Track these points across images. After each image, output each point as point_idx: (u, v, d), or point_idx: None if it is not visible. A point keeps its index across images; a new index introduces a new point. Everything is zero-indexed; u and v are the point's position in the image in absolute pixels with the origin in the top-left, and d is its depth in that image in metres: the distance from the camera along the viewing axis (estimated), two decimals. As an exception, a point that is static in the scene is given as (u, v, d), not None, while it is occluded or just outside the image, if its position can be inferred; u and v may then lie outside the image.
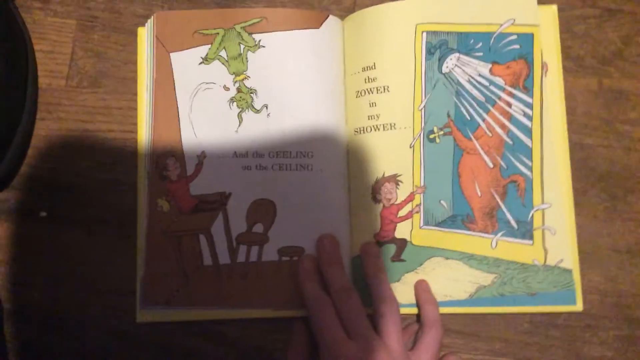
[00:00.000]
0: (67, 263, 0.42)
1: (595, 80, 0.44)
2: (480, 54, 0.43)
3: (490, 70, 0.43)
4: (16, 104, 0.41)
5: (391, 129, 0.42)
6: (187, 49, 0.43)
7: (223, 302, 0.41)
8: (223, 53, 0.43)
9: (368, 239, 0.42)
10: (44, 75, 0.44)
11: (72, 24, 0.45)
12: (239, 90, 0.42)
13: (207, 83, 0.42)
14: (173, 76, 0.43)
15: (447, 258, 0.42)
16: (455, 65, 0.43)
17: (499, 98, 0.43)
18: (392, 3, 0.43)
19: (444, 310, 0.40)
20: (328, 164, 0.42)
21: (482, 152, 0.42)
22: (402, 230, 0.42)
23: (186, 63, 0.43)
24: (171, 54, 0.43)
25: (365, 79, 0.42)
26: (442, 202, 0.42)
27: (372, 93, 0.42)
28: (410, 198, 0.42)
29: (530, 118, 0.42)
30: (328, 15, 0.43)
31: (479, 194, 0.42)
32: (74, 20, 0.45)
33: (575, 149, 0.43)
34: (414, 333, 0.40)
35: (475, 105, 0.43)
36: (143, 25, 0.44)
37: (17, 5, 0.44)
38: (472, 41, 0.43)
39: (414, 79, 0.42)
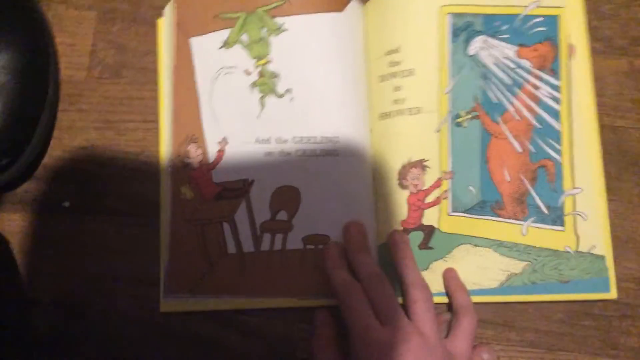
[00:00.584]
0: (90, 253, 0.41)
1: (626, 61, 0.43)
2: (507, 36, 0.42)
3: (517, 53, 0.42)
4: (39, 95, 0.41)
5: (417, 113, 0.41)
6: (207, 33, 0.42)
7: (247, 290, 0.40)
8: (244, 37, 0.42)
9: (394, 226, 0.41)
10: (65, 67, 0.44)
11: (93, 16, 0.45)
12: (260, 74, 0.42)
13: (228, 67, 0.42)
14: (193, 62, 0.42)
15: (476, 245, 0.40)
16: (482, 47, 0.42)
17: (527, 81, 0.42)
18: (416, -15, 0.42)
19: (473, 299, 0.39)
20: (354, 150, 0.41)
21: (510, 136, 0.41)
22: (428, 217, 0.41)
23: (206, 48, 0.42)
24: (191, 39, 0.42)
25: (389, 63, 0.42)
26: (470, 187, 0.41)
27: (397, 77, 0.41)
28: (437, 184, 0.41)
29: (558, 101, 0.41)
30: (351, -2, 0.42)
31: (508, 179, 0.41)
32: (94, 12, 0.45)
33: (607, 131, 0.42)
34: (447, 322, 0.39)
35: (502, 88, 0.42)
36: (162, 16, 0.44)
37: (38, -1, 0.44)
38: (497, 23, 0.42)
39: (439, 62, 0.42)
